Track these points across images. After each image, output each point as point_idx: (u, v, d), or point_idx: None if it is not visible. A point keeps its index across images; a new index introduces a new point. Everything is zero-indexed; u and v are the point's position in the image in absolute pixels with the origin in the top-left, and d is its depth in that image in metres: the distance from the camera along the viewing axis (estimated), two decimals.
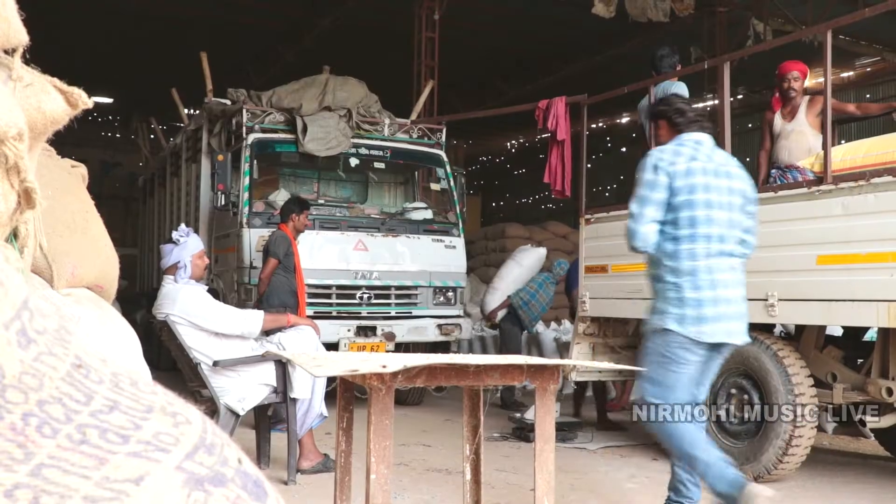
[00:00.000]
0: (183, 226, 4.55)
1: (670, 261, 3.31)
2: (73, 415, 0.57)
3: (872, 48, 14.24)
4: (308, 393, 4.46)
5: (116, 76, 17.88)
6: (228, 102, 7.83)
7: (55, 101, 1.19)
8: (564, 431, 5.85)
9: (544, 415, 2.20)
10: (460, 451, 2.88)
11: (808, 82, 5.97)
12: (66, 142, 1.23)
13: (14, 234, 1.13)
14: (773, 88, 5.80)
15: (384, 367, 1.78)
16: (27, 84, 1.16)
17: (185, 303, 4.27)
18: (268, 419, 4.88)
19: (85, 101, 1.22)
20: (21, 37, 1.03)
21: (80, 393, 0.59)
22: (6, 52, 1.07)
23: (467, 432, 2.61)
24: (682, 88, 5.67)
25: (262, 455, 4.73)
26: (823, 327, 4.87)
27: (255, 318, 4.42)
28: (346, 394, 2.64)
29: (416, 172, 8.91)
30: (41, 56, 1.08)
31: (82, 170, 2.18)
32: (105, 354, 0.66)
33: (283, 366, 4.39)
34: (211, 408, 4.30)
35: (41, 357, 0.59)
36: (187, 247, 4.35)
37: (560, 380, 2.72)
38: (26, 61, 1.12)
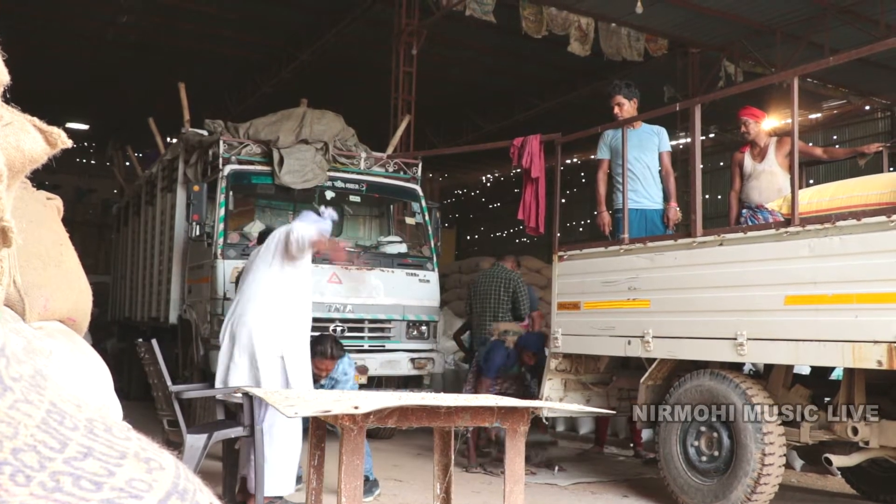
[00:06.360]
0: (323, 208, 5.26)
1: None
2: (47, 462, 0.58)
3: (839, 91, 14.61)
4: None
5: (93, 102, 17.82)
6: (205, 133, 7.82)
7: (34, 141, 1.19)
8: (537, 448, 5.89)
9: (514, 456, 2.20)
10: (431, 485, 2.87)
11: (778, 123, 6.15)
12: (40, 167, 1.22)
13: None
14: None
15: (356, 408, 1.78)
16: (6, 123, 1.17)
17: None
18: (235, 453, 4.82)
19: (64, 140, 1.23)
20: (2, 77, 1.05)
21: (55, 440, 0.60)
22: None
23: (438, 471, 2.60)
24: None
25: (226, 489, 4.66)
26: (791, 366, 4.94)
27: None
28: (318, 431, 2.63)
29: (392, 206, 8.94)
30: (19, 82, 1.10)
31: (57, 202, 2.17)
32: (80, 399, 0.67)
33: (250, 399, 4.36)
34: (178, 439, 4.25)
35: (17, 405, 0.60)
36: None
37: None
38: (6, 100, 1.14)
